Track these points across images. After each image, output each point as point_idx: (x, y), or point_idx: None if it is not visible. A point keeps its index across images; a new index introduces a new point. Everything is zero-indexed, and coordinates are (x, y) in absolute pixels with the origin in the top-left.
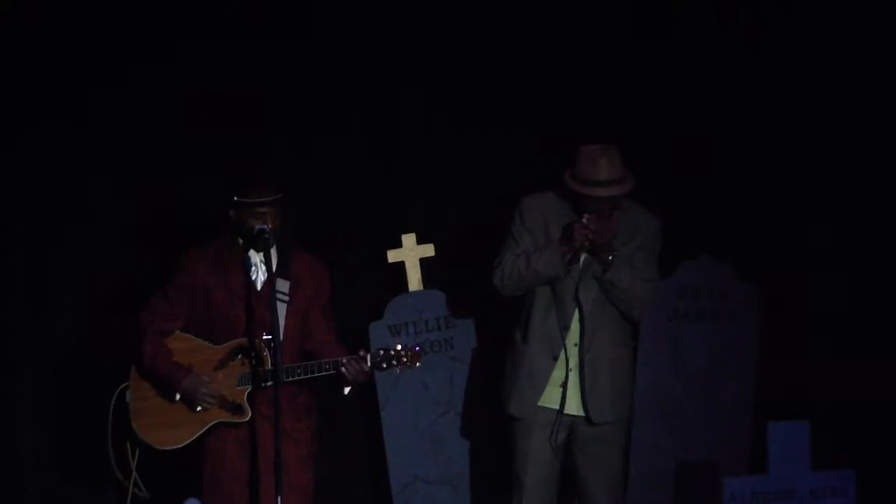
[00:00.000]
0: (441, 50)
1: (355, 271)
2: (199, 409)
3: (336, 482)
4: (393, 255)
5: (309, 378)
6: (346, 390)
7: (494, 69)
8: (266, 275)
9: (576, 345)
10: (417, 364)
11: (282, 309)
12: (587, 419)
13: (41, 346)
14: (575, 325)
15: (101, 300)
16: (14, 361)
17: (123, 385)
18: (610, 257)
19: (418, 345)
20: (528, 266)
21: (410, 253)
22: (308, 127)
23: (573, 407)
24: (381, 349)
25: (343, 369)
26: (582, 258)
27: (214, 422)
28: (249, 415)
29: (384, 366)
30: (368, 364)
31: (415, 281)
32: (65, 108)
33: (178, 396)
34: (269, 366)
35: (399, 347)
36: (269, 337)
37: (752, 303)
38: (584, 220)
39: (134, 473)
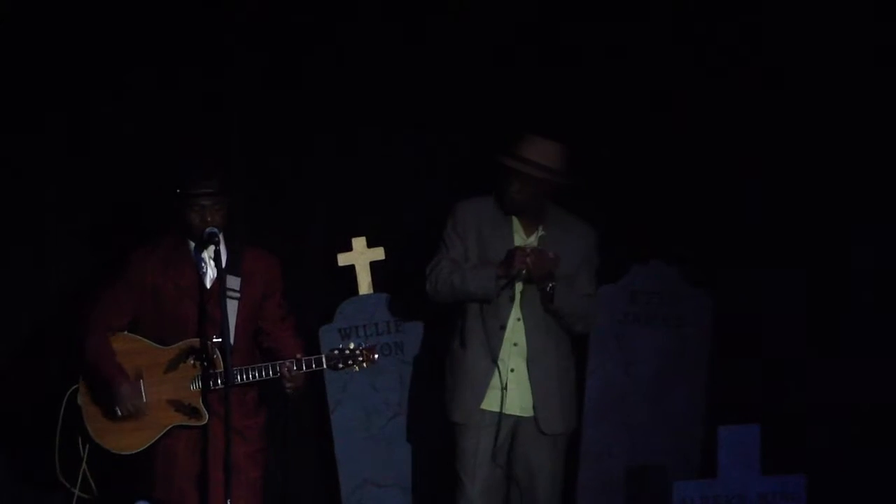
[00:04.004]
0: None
1: (305, 274)
2: (119, 414)
3: (287, 484)
4: (343, 259)
5: (259, 381)
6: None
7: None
8: (216, 272)
9: (515, 344)
10: (374, 357)
11: (232, 306)
12: (534, 419)
13: None
14: (512, 324)
15: (50, 298)
16: None
17: (73, 387)
18: (549, 287)
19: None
20: (462, 282)
21: (361, 256)
22: (262, 129)
23: (515, 408)
24: (336, 349)
25: (282, 372)
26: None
27: (171, 425)
28: (207, 418)
29: (340, 366)
30: (324, 365)
31: (365, 284)
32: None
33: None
34: (220, 367)
35: (353, 346)
36: (220, 340)
37: (703, 307)
38: (527, 249)
39: (85, 469)
